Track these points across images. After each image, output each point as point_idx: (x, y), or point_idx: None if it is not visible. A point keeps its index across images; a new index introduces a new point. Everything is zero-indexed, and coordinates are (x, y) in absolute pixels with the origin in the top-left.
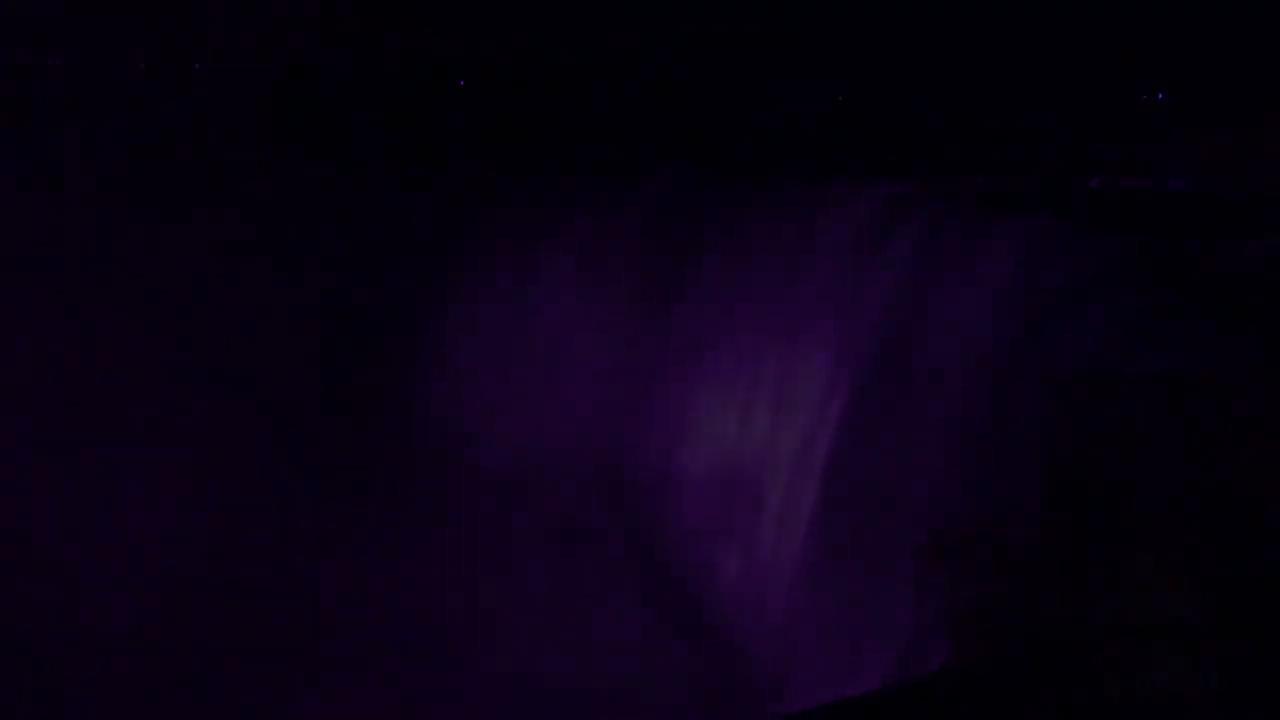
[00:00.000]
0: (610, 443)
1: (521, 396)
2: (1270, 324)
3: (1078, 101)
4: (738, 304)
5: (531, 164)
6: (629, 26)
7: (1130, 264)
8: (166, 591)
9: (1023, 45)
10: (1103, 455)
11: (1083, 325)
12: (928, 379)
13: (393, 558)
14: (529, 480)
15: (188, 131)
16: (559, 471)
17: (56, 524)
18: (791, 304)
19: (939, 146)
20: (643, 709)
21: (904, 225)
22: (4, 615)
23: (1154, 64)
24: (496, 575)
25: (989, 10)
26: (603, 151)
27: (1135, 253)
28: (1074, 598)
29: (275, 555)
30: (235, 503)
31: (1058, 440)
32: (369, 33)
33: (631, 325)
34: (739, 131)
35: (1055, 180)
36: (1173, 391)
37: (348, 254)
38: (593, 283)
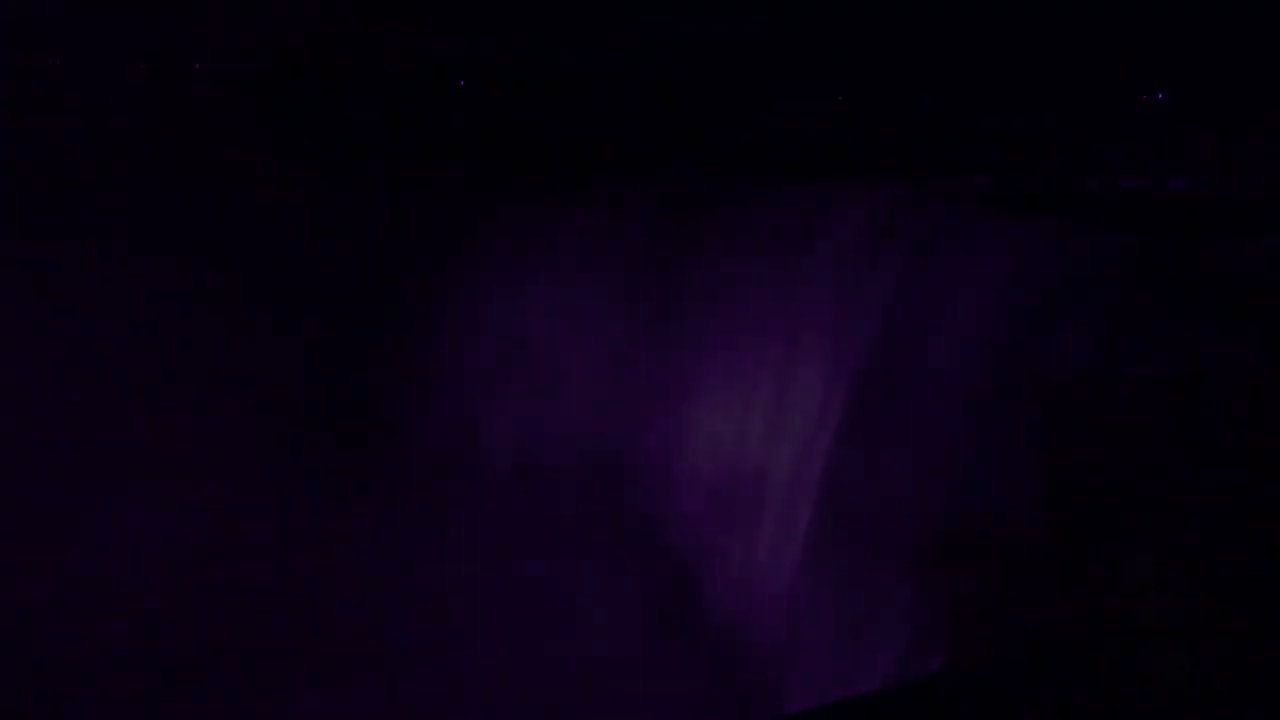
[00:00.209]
0: (610, 442)
1: (521, 396)
2: (1270, 324)
3: (1078, 101)
4: (737, 303)
5: (531, 164)
6: (629, 26)
7: (1130, 264)
8: (165, 591)
9: (1023, 45)
10: (1103, 455)
11: (1082, 325)
12: (928, 378)
13: (391, 557)
14: (528, 480)
15: (187, 131)
16: (558, 471)
17: (53, 524)
18: (791, 303)
19: (939, 146)
20: (642, 709)
21: (904, 225)
22: (2, 616)
23: (1154, 64)
24: (495, 575)
25: (989, 10)
26: (603, 151)
27: (1135, 253)
28: (1074, 598)
29: (274, 555)
30: (233, 502)
31: (1058, 440)
32: (369, 33)
33: (631, 325)
34: (739, 131)
35: (1055, 180)
36: (1173, 391)
37: (346, 253)
38: (592, 282)
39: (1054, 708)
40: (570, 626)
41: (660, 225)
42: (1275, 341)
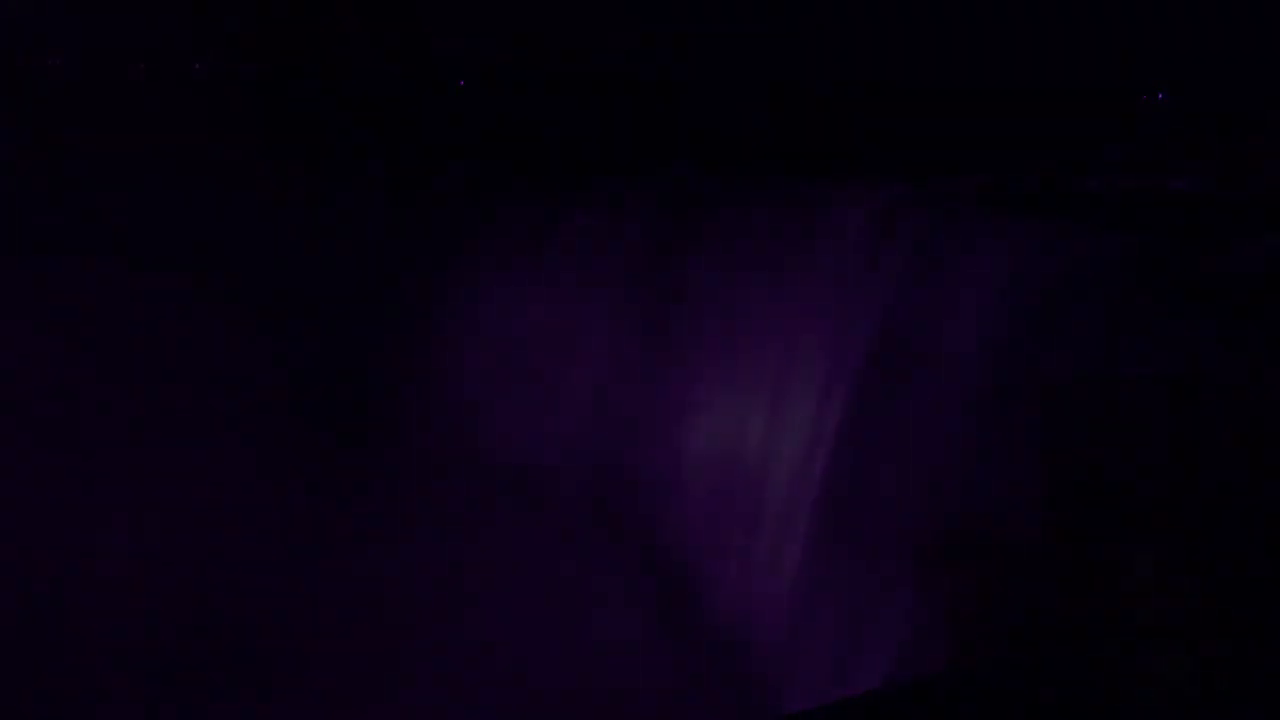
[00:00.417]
0: (609, 442)
1: (520, 396)
2: (1270, 324)
3: (1078, 101)
4: (737, 304)
5: (531, 164)
6: (629, 26)
7: (1130, 264)
8: (165, 591)
9: (1023, 45)
10: (1103, 455)
11: (1082, 325)
12: (927, 378)
13: (390, 559)
14: (528, 481)
15: (186, 131)
16: (558, 471)
17: (49, 525)
18: (791, 303)
19: (939, 146)
20: (642, 709)
21: (904, 225)
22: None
23: (1154, 64)
24: (495, 575)
25: (989, 10)
26: (603, 151)
27: (1135, 253)
28: (1074, 598)
29: (273, 556)
30: (231, 504)
31: (1058, 440)
32: (369, 33)
33: (631, 325)
34: (739, 131)
35: (1055, 180)
36: (1173, 391)
37: (346, 253)
38: (592, 282)
39: (1054, 708)
40: (570, 627)
41: (660, 225)
42: (1275, 341)
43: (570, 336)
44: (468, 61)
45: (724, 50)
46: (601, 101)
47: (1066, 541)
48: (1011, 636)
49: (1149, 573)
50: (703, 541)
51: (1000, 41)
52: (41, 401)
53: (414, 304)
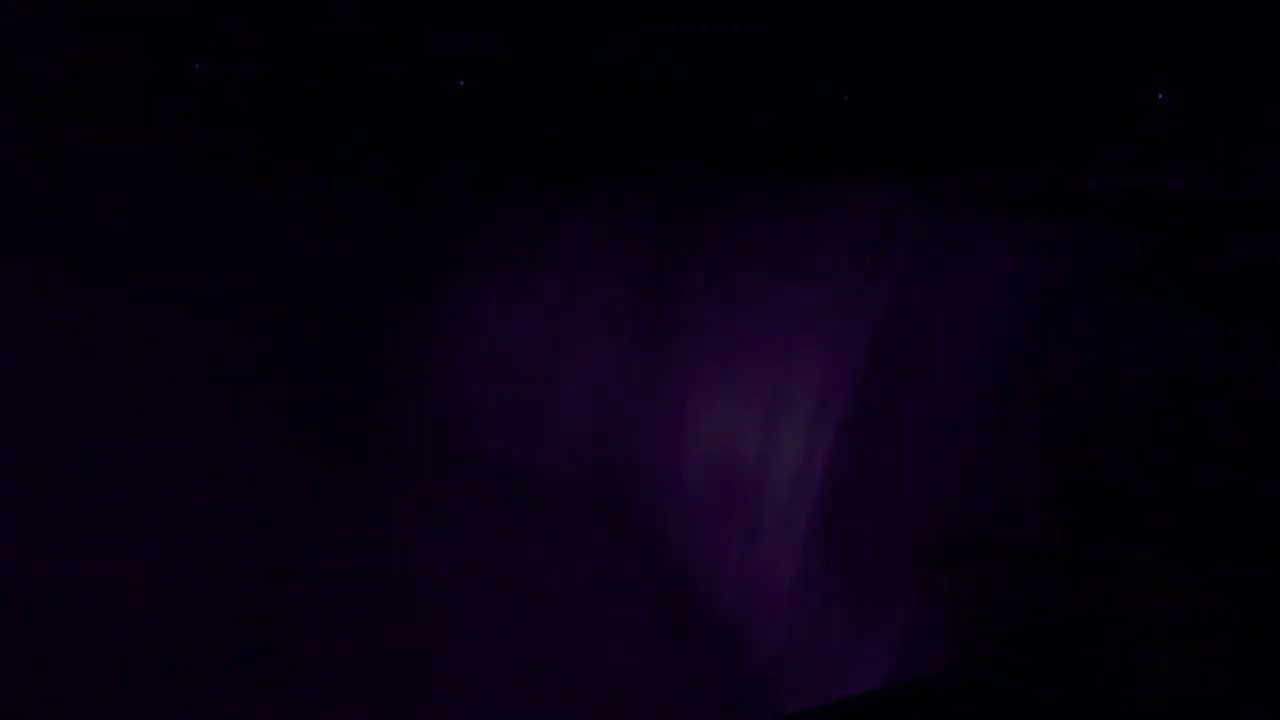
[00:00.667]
0: (609, 442)
1: (520, 396)
2: (1270, 324)
3: (1078, 101)
4: (737, 304)
5: (531, 164)
6: (629, 26)
7: (1130, 264)
8: (165, 591)
9: (1023, 45)
10: (1103, 455)
11: (1082, 325)
12: (928, 379)
13: (390, 557)
14: (528, 480)
15: (186, 131)
16: (558, 471)
17: (50, 525)
18: (791, 303)
19: (939, 146)
20: (642, 709)
21: (904, 225)
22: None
23: (1154, 64)
24: (495, 575)
25: (989, 10)
26: (603, 151)
27: (1135, 253)
28: (1074, 598)
29: (273, 555)
30: (230, 504)
31: (1058, 440)
32: (369, 33)
33: (631, 325)
34: (739, 131)
35: (1055, 180)
36: (1173, 391)
37: (346, 253)
38: (592, 282)
39: (1054, 708)
40: (571, 627)
41: (660, 225)
42: (1275, 341)
43: (570, 336)
44: (468, 61)
45: (724, 50)
46: (601, 101)
47: (1066, 541)
48: (1011, 636)
49: (1149, 573)
50: (703, 542)
51: (1000, 41)
52: (41, 401)
53: (414, 304)
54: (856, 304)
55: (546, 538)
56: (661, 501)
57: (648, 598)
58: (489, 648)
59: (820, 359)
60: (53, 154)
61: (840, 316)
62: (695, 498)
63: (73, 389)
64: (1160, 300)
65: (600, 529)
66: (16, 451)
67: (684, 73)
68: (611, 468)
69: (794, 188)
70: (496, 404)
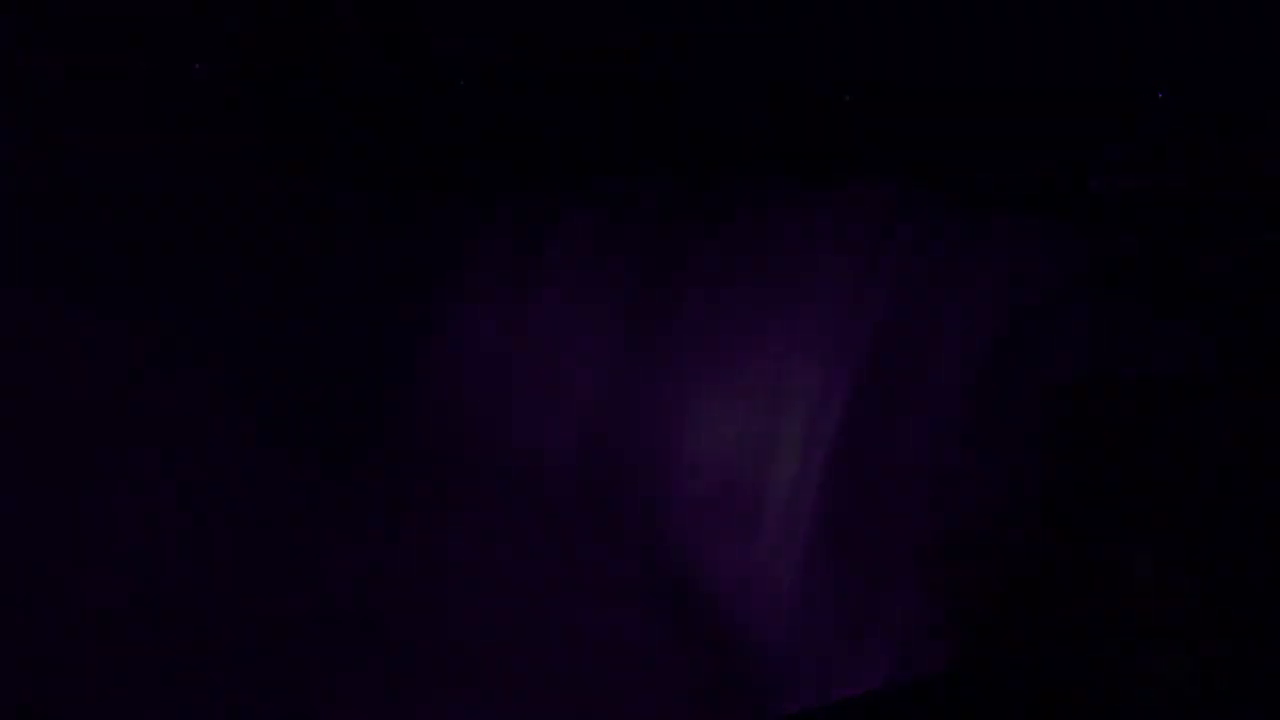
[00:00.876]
0: (610, 442)
1: (522, 396)
2: (1268, 324)
3: (1078, 101)
4: (737, 304)
5: (531, 164)
6: (629, 26)
7: (1129, 264)
8: (165, 591)
9: (1023, 45)
10: (1103, 455)
11: (1082, 325)
12: (928, 378)
13: (392, 557)
14: (529, 480)
15: (186, 131)
16: (560, 471)
17: (50, 525)
18: (791, 303)
19: (939, 146)
20: (642, 709)
21: (904, 225)
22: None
23: (1154, 64)
24: (496, 574)
25: (989, 10)
26: (603, 151)
27: (1134, 253)
28: (1074, 598)
29: (276, 556)
30: (235, 504)
31: (1058, 440)
32: (369, 33)
33: (631, 325)
34: (739, 131)
35: (1055, 180)
36: (1173, 391)
37: (347, 253)
38: (593, 282)
39: (1054, 708)
40: (571, 627)
41: (660, 225)
42: (1274, 342)
43: (570, 336)
44: (468, 61)
45: (724, 50)
46: (601, 101)
47: (1066, 541)
48: (1011, 636)
49: (1149, 573)
50: (704, 542)
51: (1000, 41)
52: (42, 401)
53: (414, 304)
54: (857, 302)
55: (547, 538)
56: (663, 500)
57: (648, 598)
58: (489, 647)
59: (820, 358)
60: (53, 154)
61: (840, 315)
62: (697, 496)
63: (73, 388)
64: (1161, 300)
65: (601, 529)
66: (16, 452)
67: (684, 73)
68: (612, 467)
69: (794, 188)
70: (497, 404)
